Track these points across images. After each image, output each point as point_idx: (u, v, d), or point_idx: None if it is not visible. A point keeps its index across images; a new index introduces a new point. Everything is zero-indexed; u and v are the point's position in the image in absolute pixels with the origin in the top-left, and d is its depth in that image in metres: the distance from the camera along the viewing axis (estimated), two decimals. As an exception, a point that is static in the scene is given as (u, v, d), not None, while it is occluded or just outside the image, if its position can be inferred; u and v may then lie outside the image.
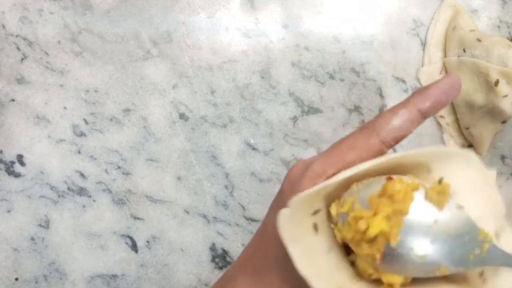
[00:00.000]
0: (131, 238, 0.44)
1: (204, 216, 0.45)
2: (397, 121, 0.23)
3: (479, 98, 0.45)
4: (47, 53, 0.46)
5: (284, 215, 0.21)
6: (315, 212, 0.23)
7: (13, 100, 0.45)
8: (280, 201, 0.25)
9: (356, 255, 0.23)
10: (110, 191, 0.45)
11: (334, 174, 0.23)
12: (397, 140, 0.24)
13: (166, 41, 0.47)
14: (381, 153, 0.24)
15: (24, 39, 0.46)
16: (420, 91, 0.24)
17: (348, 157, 0.23)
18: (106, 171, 0.45)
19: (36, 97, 0.45)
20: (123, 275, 0.44)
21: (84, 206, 0.44)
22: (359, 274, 0.23)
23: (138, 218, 0.45)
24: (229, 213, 0.46)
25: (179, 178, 0.45)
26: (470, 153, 0.23)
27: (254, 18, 0.49)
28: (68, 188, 0.44)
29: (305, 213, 0.22)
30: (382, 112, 0.24)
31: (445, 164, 0.23)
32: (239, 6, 0.49)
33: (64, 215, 0.44)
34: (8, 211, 0.43)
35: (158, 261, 0.44)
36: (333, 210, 0.23)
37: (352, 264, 0.24)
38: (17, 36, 0.46)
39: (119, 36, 0.47)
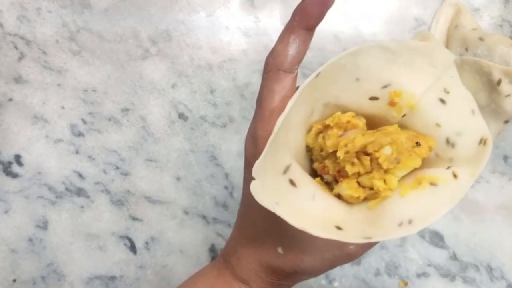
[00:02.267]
0: (129, 239, 0.44)
1: (204, 217, 0.45)
2: (292, 50, 0.24)
3: (481, 97, 0.45)
4: (45, 52, 0.46)
5: (255, 187, 0.22)
6: (286, 170, 0.23)
7: (10, 99, 0.45)
8: (249, 171, 0.26)
9: (339, 185, 0.24)
10: (108, 192, 0.44)
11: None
12: (300, 61, 0.25)
13: (165, 40, 0.47)
14: (295, 81, 0.25)
15: (22, 38, 0.46)
16: (299, 11, 0.24)
17: (275, 105, 0.24)
18: (104, 171, 0.44)
19: (34, 96, 0.45)
20: (121, 276, 0.43)
21: (82, 207, 0.44)
22: (348, 202, 0.24)
23: (137, 219, 0.44)
24: (229, 214, 0.45)
25: (178, 179, 0.45)
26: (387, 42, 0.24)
27: (254, 16, 0.48)
28: (66, 189, 0.44)
29: (275, 174, 0.23)
30: (274, 47, 0.24)
31: (368, 62, 0.24)
32: (239, 5, 0.48)
33: (62, 216, 0.43)
34: (6, 212, 0.43)
35: (157, 262, 0.44)
36: (308, 139, 0.25)
37: (339, 196, 0.25)
38: (15, 35, 0.46)
39: (117, 35, 0.47)
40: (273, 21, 0.48)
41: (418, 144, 0.23)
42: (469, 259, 0.45)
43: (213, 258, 0.45)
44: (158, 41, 0.47)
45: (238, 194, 0.46)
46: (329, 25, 0.49)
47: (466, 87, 0.49)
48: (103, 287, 0.43)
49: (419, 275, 0.44)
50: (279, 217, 0.22)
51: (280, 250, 0.26)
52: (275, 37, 0.48)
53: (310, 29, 0.24)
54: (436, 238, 0.45)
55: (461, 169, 0.24)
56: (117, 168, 0.45)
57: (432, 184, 0.23)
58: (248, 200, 0.28)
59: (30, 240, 0.43)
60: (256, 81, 0.47)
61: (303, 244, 0.25)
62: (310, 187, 0.24)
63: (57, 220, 0.43)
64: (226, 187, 0.45)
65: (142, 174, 0.45)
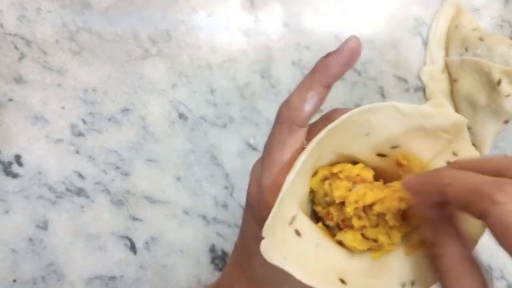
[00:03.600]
0: (130, 239, 0.44)
1: (204, 217, 0.45)
2: (309, 106, 0.24)
3: (481, 97, 0.45)
4: (45, 52, 0.46)
5: (265, 246, 0.22)
6: (292, 220, 0.23)
7: (11, 99, 0.45)
8: (251, 215, 0.26)
9: (342, 234, 0.24)
10: (108, 192, 0.44)
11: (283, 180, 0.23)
12: (313, 115, 0.25)
13: (165, 40, 0.47)
14: (306, 134, 0.25)
15: (22, 38, 0.46)
16: (321, 67, 0.24)
17: (285, 157, 0.24)
18: (104, 171, 0.44)
19: (34, 96, 0.45)
20: (121, 276, 0.43)
21: (82, 207, 0.44)
22: (350, 249, 0.25)
23: (137, 219, 0.44)
24: (229, 214, 0.45)
25: (178, 179, 0.45)
26: (391, 103, 0.24)
27: (254, 16, 0.48)
28: (66, 189, 0.44)
29: (282, 226, 0.23)
30: (290, 99, 0.24)
31: (377, 119, 0.23)
32: (239, 5, 0.48)
33: (62, 216, 0.43)
34: (6, 212, 0.43)
35: (157, 262, 0.44)
36: (313, 183, 0.25)
37: (340, 243, 0.25)
38: (15, 35, 0.46)
39: (117, 35, 0.47)
40: (273, 21, 0.48)
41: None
42: (469, 259, 0.45)
43: (213, 258, 0.45)
44: (158, 41, 0.47)
45: (238, 194, 0.46)
46: (329, 25, 0.49)
47: (466, 87, 0.48)
48: (103, 287, 0.43)
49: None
50: (277, 269, 0.22)
51: None
52: (275, 37, 0.49)
53: (328, 87, 0.24)
54: (436, 238, 0.45)
55: None
56: (117, 168, 0.45)
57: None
58: (245, 243, 0.28)
59: (30, 240, 0.43)
60: (256, 81, 0.47)
61: None
62: (313, 235, 0.24)
63: (57, 220, 0.43)
64: (226, 187, 0.45)
65: (142, 174, 0.45)
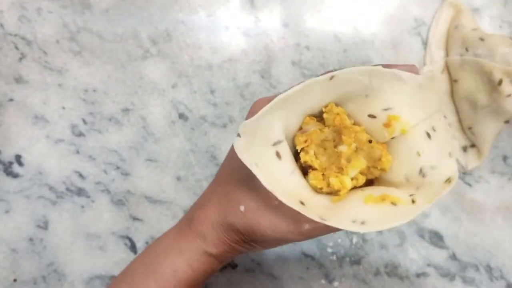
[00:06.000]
0: (130, 239, 0.44)
1: (204, 217, 0.45)
2: None
3: (482, 97, 0.45)
4: (45, 53, 0.46)
5: (239, 143, 0.25)
6: (276, 143, 0.27)
7: (11, 99, 0.45)
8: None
9: (309, 175, 0.28)
10: (109, 192, 0.44)
11: None
12: None
13: (165, 40, 0.47)
14: None
15: (23, 38, 0.46)
16: None
17: None
18: (105, 171, 0.45)
19: (35, 96, 0.45)
20: (122, 276, 0.43)
21: (82, 207, 0.44)
22: (316, 191, 0.28)
23: (137, 219, 0.44)
24: (229, 214, 0.45)
25: (178, 179, 0.45)
26: (401, 72, 0.27)
27: (254, 16, 0.48)
28: (67, 189, 0.44)
29: (264, 142, 0.26)
30: None
31: (380, 84, 0.27)
32: (239, 5, 0.48)
33: (62, 216, 0.44)
34: (6, 212, 0.43)
35: (157, 262, 0.44)
36: (298, 140, 0.28)
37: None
38: (15, 35, 0.46)
39: (118, 35, 0.47)
40: (273, 21, 0.48)
41: (370, 141, 0.27)
42: (469, 259, 0.45)
43: (213, 258, 0.45)
44: (158, 41, 0.47)
45: (238, 194, 0.46)
46: (329, 25, 0.49)
47: (466, 87, 0.49)
48: (103, 287, 0.43)
49: (418, 275, 0.45)
50: (252, 179, 0.25)
51: (242, 208, 0.28)
52: (275, 37, 0.49)
53: None
54: (435, 238, 0.45)
55: (420, 196, 0.27)
56: (118, 168, 0.45)
57: (392, 203, 0.27)
58: (230, 157, 0.31)
59: (31, 240, 0.43)
60: (256, 81, 0.47)
61: (264, 209, 0.28)
62: (291, 164, 0.28)
63: (58, 220, 0.43)
64: (226, 187, 0.45)
65: (142, 174, 0.45)
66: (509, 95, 0.43)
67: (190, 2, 0.48)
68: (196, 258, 0.31)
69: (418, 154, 0.27)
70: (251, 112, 0.29)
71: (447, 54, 0.49)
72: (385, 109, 0.27)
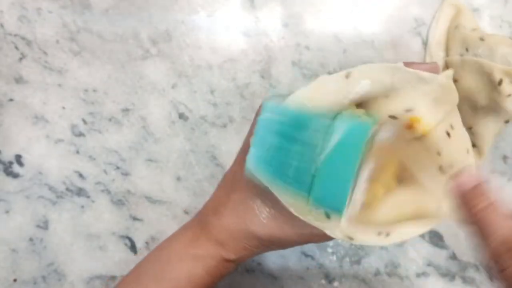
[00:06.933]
0: (130, 239, 0.44)
1: (204, 217, 0.45)
2: None
3: (482, 97, 0.45)
4: (45, 53, 0.46)
5: (251, 156, 0.25)
6: None
7: (11, 99, 0.45)
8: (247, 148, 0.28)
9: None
10: (109, 192, 0.44)
11: None
12: None
13: (165, 40, 0.47)
14: None
15: (23, 38, 0.46)
16: None
17: None
18: (105, 171, 0.45)
19: (35, 96, 0.45)
20: (122, 276, 0.43)
21: (82, 207, 0.44)
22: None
23: (137, 219, 0.44)
24: (229, 214, 0.45)
25: (178, 179, 0.45)
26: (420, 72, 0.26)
27: (254, 17, 0.48)
28: (67, 189, 0.44)
29: None
30: None
31: (402, 84, 0.26)
32: (239, 5, 0.48)
33: (62, 216, 0.44)
34: (6, 212, 0.43)
35: (157, 262, 0.44)
36: None
37: None
38: (15, 35, 0.46)
39: (118, 35, 0.47)
40: (273, 21, 0.48)
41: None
42: (469, 259, 0.45)
43: (213, 258, 0.45)
44: (158, 41, 0.47)
45: (238, 194, 0.46)
46: (329, 25, 0.49)
47: (466, 87, 0.49)
48: (103, 287, 0.43)
49: (418, 275, 0.45)
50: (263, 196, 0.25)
51: (263, 215, 0.28)
52: (275, 37, 0.49)
53: None
54: (435, 238, 0.45)
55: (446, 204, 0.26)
56: (118, 168, 0.45)
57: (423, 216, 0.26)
58: (234, 177, 0.30)
59: (31, 240, 0.43)
60: (256, 81, 0.47)
61: (288, 216, 0.27)
62: None
63: (58, 220, 0.43)
64: (226, 187, 0.45)
65: (142, 174, 0.45)
66: (509, 95, 0.43)
67: (190, 2, 0.48)
68: (214, 264, 0.30)
69: (438, 153, 0.27)
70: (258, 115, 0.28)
71: (447, 54, 0.49)
72: (407, 110, 0.26)
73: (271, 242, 0.29)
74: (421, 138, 0.27)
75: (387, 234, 0.25)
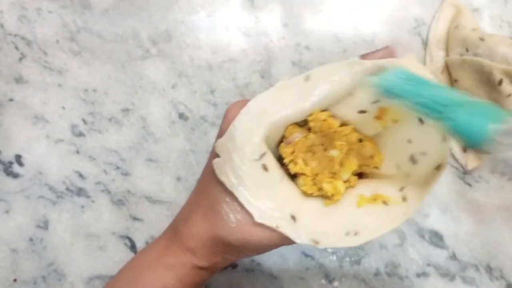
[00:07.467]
0: (130, 239, 0.44)
1: (204, 217, 0.45)
2: None
3: (482, 97, 0.45)
4: (45, 53, 0.46)
5: (217, 163, 0.25)
6: (261, 156, 0.26)
7: (11, 99, 0.45)
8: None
9: (298, 181, 0.28)
10: (109, 192, 0.44)
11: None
12: None
13: (165, 40, 0.47)
14: None
15: (23, 38, 0.46)
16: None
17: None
18: (105, 171, 0.45)
19: (35, 96, 0.45)
20: (122, 276, 0.43)
21: (82, 207, 0.44)
22: (306, 195, 0.28)
23: (137, 219, 0.44)
24: (229, 214, 0.45)
25: (178, 179, 0.45)
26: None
27: (254, 17, 0.48)
28: (67, 189, 0.44)
29: (248, 157, 0.26)
30: None
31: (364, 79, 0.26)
32: (239, 5, 0.48)
33: (62, 216, 0.44)
34: (7, 212, 0.43)
35: (157, 262, 0.44)
36: (284, 151, 0.27)
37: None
38: (15, 35, 0.46)
39: (118, 35, 0.47)
40: (273, 22, 0.48)
41: (360, 140, 0.27)
42: (469, 259, 0.45)
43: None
44: (158, 41, 0.47)
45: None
46: (329, 25, 0.49)
47: (466, 87, 0.49)
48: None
49: (418, 275, 0.45)
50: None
51: (232, 220, 0.27)
52: (275, 37, 0.49)
53: None
54: (435, 238, 0.45)
55: (411, 192, 0.26)
56: (118, 168, 0.45)
57: (384, 202, 0.26)
58: (206, 179, 0.30)
59: (31, 240, 0.43)
60: (256, 81, 0.47)
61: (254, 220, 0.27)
62: (279, 171, 0.27)
63: (58, 220, 0.43)
64: (226, 187, 0.45)
65: (142, 174, 0.45)
66: (509, 95, 0.43)
67: (190, 2, 0.48)
68: (186, 272, 0.30)
69: (409, 141, 0.26)
70: (226, 121, 0.28)
71: (447, 54, 0.49)
72: (374, 102, 0.26)
73: (243, 247, 0.28)
74: (392, 127, 0.26)
75: (356, 233, 0.25)
